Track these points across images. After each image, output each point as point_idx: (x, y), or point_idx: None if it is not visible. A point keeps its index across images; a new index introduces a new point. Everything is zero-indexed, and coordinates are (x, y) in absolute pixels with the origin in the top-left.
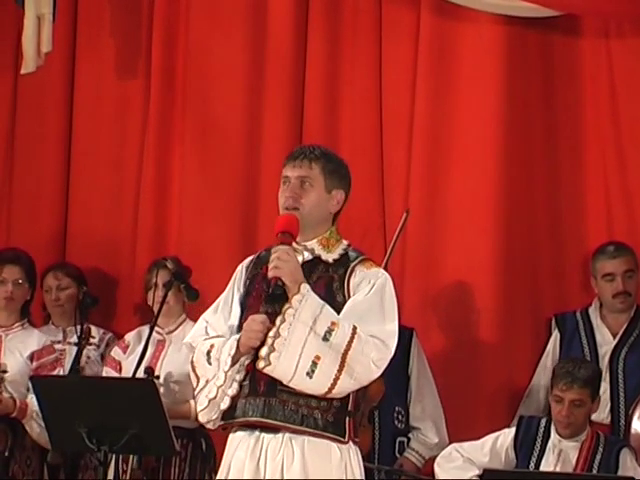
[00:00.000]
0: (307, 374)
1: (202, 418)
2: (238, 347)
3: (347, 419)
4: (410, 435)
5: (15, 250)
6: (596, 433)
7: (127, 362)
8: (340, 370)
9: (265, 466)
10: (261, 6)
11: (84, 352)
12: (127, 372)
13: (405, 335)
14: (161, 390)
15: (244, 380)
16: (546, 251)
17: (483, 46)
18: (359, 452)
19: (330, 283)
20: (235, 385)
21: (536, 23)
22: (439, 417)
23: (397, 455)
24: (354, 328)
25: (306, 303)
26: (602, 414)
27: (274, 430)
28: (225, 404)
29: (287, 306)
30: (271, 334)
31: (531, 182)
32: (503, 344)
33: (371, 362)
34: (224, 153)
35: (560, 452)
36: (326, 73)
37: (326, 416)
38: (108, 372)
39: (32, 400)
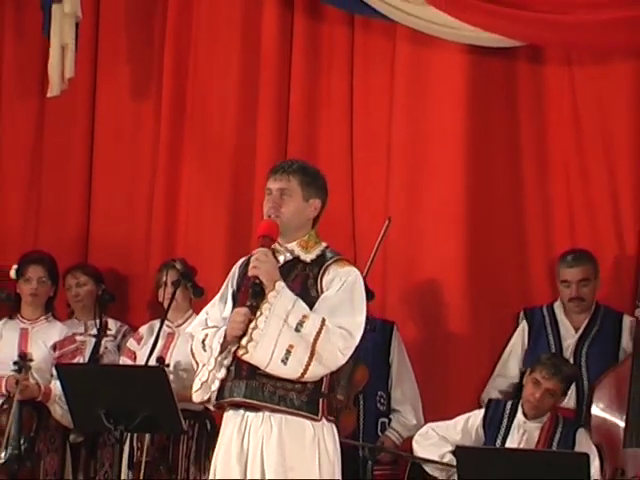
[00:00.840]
0: (282, 361)
1: (196, 398)
2: (226, 336)
3: (321, 400)
4: (391, 416)
5: (39, 252)
6: (556, 415)
7: (141, 352)
8: (311, 357)
9: (248, 440)
10: (254, 40)
11: (102, 343)
12: (141, 361)
13: (387, 328)
14: (170, 377)
15: (231, 365)
16: (510, 253)
17: (451, 72)
18: (334, 429)
19: (306, 280)
20: (223, 370)
21: (500, 51)
22: (417, 401)
23: (379, 434)
24: (323, 320)
25: (280, 298)
26: (569, 401)
27: (256, 409)
28: (215, 386)
29: (264, 301)
30: (251, 325)
31: (495, 191)
32: (470, 335)
33: (338, 350)
34: (222, 167)
35: (524, 431)
36: (308, 96)
37: (301, 397)
38: (124, 361)
39: (55, 385)
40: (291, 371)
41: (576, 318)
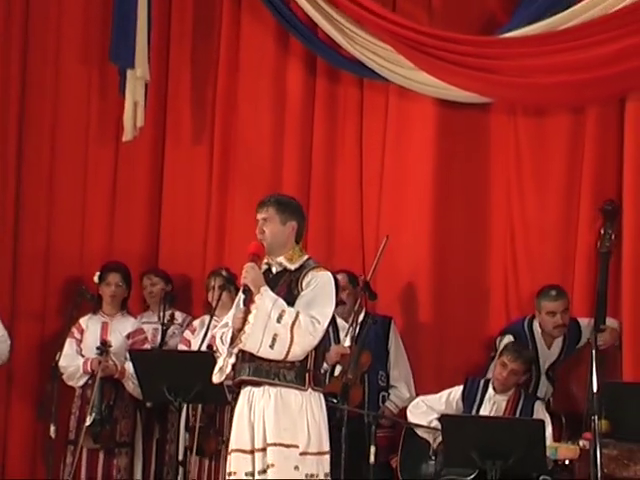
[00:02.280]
0: (270, 346)
1: (215, 380)
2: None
3: (307, 374)
4: (390, 391)
5: (116, 262)
6: (519, 390)
7: (194, 340)
8: (291, 342)
9: (254, 409)
10: (283, 98)
11: (170, 330)
12: (194, 347)
13: (385, 322)
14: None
15: (238, 353)
16: (464, 264)
17: (425, 120)
18: (320, 396)
19: (290, 284)
20: (233, 357)
21: (461, 104)
22: (410, 379)
23: (380, 404)
24: (297, 313)
25: (264, 300)
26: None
27: (258, 384)
28: (228, 369)
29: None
30: (247, 321)
31: (453, 215)
32: (440, 329)
33: (309, 334)
34: (258, 196)
35: (494, 403)
36: (326, 141)
37: (291, 373)
38: (181, 347)
39: (128, 366)
40: (277, 354)
41: (550, 338)
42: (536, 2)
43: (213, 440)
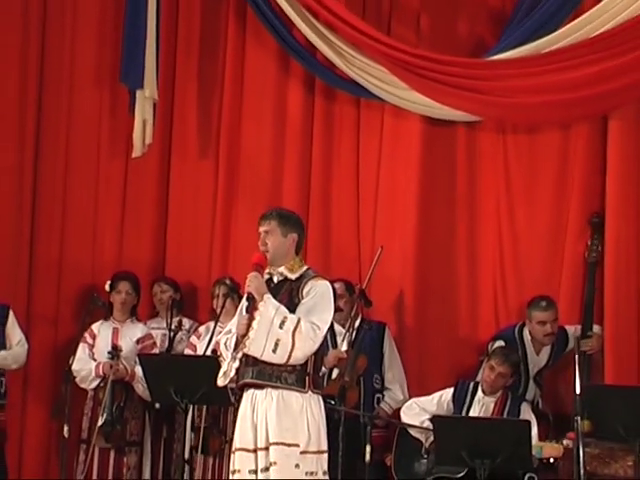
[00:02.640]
0: (272, 351)
1: (220, 383)
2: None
3: (307, 378)
4: (384, 393)
5: (126, 271)
6: (506, 392)
7: (200, 345)
8: (292, 346)
9: (257, 410)
10: (284, 115)
11: (178, 336)
12: (200, 352)
13: (380, 328)
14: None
15: (242, 357)
16: (446, 270)
17: (418, 138)
18: (319, 398)
19: (291, 292)
20: (237, 361)
21: (448, 121)
22: (403, 381)
23: (375, 406)
24: (298, 319)
25: (267, 307)
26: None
27: (261, 387)
28: (232, 373)
29: (257, 311)
30: (251, 327)
31: (438, 225)
32: (432, 334)
33: (310, 339)
34: (260, 208)
35: (483, 404)
36: (324, 156)
37: (292, 376)
38: (187, 352)
39: (138, 369)
40: (279, 358)
41: (539, 344)
42: (522, 27)
43: (217, 439)
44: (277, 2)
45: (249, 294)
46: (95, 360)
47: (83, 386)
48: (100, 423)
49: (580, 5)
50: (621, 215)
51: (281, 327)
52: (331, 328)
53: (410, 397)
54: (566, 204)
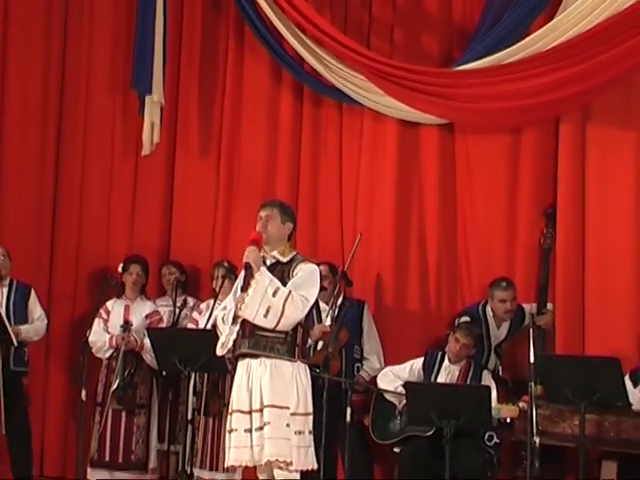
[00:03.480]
0: (264, 315)
1: (218, 353)
2: (235, 310)
3: (296, 348)
4: (363, 362)
5: (136, 255)
6: (470, 361)
7: (201, 320)
8: (282, 314)
9: (252, 377)
10: (276, 120)
11: (183, 312)
12: (201, 326)
13: (360, 305)
14: None
15: (239, 330)
16: (424, 260)
17: (393, 138)
18: (306, 367)
19: (282, 273)
20: (234, 334)
21: (421, 124)
22: (380, 352)
23: (355, 374)
24: (290, 291)
25: (262, 277)
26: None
27: (255, 356)
28: (229, 344)
29: (253, 280)
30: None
31: (412, 216)
32: (405, 311)
33: (298, 309)
34: (255, 202)
35: (449, 372)
36: (311, 157)
37: (283, 347)
38: (190, 326)
39: (146, 341)
40: (269, 322)
41: (500, 320)
42: (484, 41)
43: (217, 403)
44: (270, 19)
45: (247, 264)
46: (109, 333)
47: (98, 356)
48: (113, 388)
49: (534, 23)
50: (570, 208)
51: (274, 295)
52: (316, 305)
53: (386, 366)
54: (520, 198)
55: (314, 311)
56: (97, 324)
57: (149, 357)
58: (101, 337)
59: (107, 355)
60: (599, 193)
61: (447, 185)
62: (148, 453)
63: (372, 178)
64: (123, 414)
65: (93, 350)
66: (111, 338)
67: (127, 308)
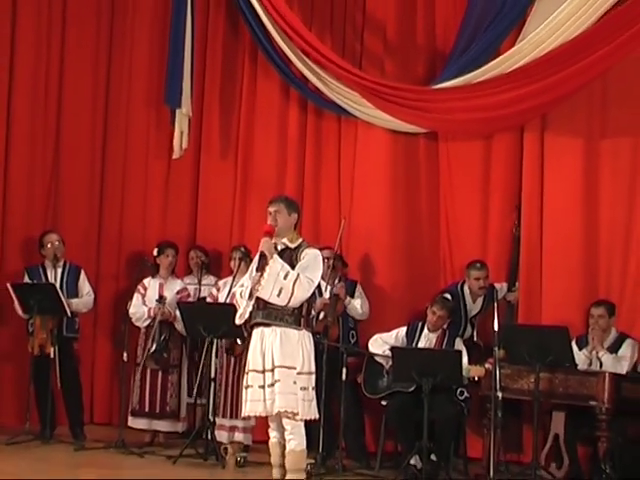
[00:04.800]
0: (277, 295)
1: (237, 322)
2: (251, 286)
3: (302, 319)
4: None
5: (169, 241)
6: (445, 330)
7: (221, 295)
8: (292, 293)
9: (265, 342)
10: (285, 129)
11: (207, 289)
12: (221, 300)
13: (354, 283)
14: None
15: (254, 304)
16: (412, 246)
17: (383, 145)
18: (310, 334)
19: (291, 257)
20: (250, 306)
21: (410, 133)
22: (367, 312)
23: (350, 339)
24: (298, 274)
25: (275, 263)
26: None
27: (268, 325)
28: (246, 315)
29: (267, 265)
30: (262, 277)
31: (402, 211)
32: (393, 288)
33: (305, 289)
34: (267, 197)
35: (428, 339)
36: (315, 161)
37: (291, 318)
38: (209, 301)
39: (177, 313)
40: (281, 301)
41: (475, 296)
42: (457, 64)
43: (239, 347)
44: (279, 45)
45: (262, 253)
46: (146, 306)
47: (137, 324)
48: (151, 351)
49: (500, 47)
50: (532, 202)
51: (285, 278)
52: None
53: (375, 333)
54: (492, 193)
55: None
56: (136, 298)
57: (179, 326)
58: (140, 309)
59: (145, 324)
60: (555, 189)
61: (431, 183)
62: (180, 405)
63: (366, 178)
64: (159, 373)
65: (133, 320)
66: (149, 310)
67: (161, 285)
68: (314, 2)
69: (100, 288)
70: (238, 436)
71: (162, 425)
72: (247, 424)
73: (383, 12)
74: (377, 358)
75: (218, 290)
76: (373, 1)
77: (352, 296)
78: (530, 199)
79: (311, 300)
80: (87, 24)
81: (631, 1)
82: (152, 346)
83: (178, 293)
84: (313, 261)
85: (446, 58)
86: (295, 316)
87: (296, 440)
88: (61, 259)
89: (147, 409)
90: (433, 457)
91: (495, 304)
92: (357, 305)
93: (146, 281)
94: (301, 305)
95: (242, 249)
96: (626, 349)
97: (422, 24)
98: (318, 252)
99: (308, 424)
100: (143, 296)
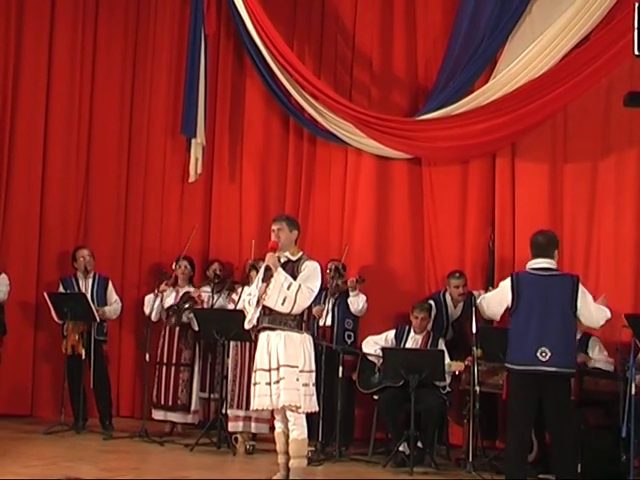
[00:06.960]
0: (281, 304)
1: (246, 326)
2: (258, 295)
3: (303, 324)
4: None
5: (186, 255)
6: (429, 332)
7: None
8: (295, 302)
9: (270, 344)
10: (284, 154)
11: (221, 297)
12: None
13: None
14: None
15: (261, 311)
16: (398, 260)
17: (371, 169)
18: (311, 337)
19: (292, 268)
20: (258, 313)
21: (396, 158)
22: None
23: (346, 340)
24: (299, 284)
25: (279, 275)
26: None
27: (273, 329)
28: (254, 321)
29: (272, 277)
30: (268, 288)
31: (388, 228)
32: (384, 298)
33: (306, 298)
34: (269, 215)
35: (414, 340)
36: (308, 181)
37: (294, 323)
38: (231, 305)
39: (192, 317)
40: (285, 308)
41: (455, 303)
42: (438, 98)
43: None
44: (280, 80)
45: (267, 266)
46: (159, 301)
47: (147, 311)
48: (169, 306)
49: (475, 83)
50: (504, 219)
51: (288, 289)
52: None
53: (368, 336)
54: (469, 212)
55: None
56: (147, 298)
57: (195, 327)
58: (149, 302)
59: (149, 310)
60: (524, 207)
61: (415, 204)
62: (190, 399)
63: (354, 199)
64: (172, 371)
65: (146, 311)
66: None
67: (178, 292)
68: (310, 41)
69: (125, 296)
70: (252, 426)
71: (175, 416)
72: (260, 415)
73: (370, 50)
74: (369, 357)
75: (237, 295)
76: (361, 40)
77: (347, 295)
78: (503, 216)
79: (311, 308)
80: (113, 63)
81: (589, 44)
82: (172, 311)
83: (192, 293)
84: (313, 272)
85: (427, 93)
86: (297, 321)
87: (298, 430)
88: (91, 271)
89: (162, 402)
90: (419, 444)
91: (473, 309)
92: (357, 300)
93: (163, 287)
94: (302, 312)
95: (250, 262)
96: (594, 346)
97: (404, 64)
98: (317, 264)
99: (309, 416)
100: (156, 296)
